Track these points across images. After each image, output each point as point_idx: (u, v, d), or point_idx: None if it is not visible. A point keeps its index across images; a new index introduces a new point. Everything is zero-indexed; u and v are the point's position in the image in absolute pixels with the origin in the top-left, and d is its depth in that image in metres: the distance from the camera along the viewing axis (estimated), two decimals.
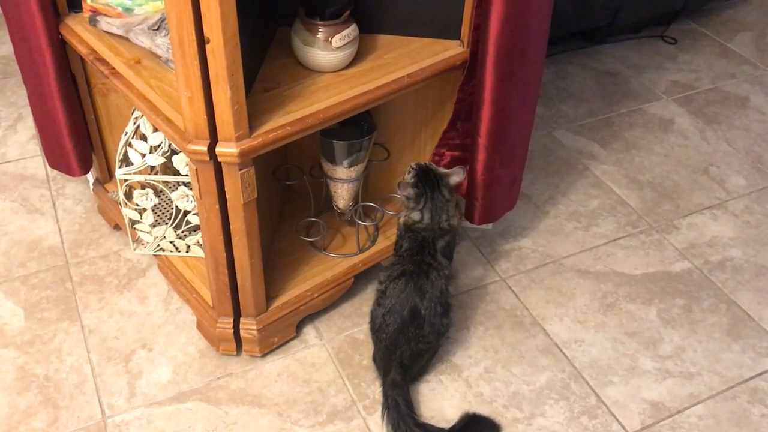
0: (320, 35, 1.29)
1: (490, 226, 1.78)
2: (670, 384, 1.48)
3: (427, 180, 1.42)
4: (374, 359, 1.45)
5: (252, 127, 1.19)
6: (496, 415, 1.41)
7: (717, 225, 1.83)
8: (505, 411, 1.42)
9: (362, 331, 1.54)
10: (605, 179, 1.96)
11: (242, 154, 1.18)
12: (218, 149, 1.18)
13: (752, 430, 1.40)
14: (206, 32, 1.06)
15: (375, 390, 1.43)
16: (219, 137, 1.18)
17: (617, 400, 1.44)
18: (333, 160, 1.47)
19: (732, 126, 2.16)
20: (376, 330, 1.41)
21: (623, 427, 1.40)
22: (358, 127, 1.46)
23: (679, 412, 1.43)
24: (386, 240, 1.61)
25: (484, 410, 1.41)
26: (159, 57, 1.34)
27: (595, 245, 1.77)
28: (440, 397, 1.44)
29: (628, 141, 2.09)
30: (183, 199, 1.45)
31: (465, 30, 1.41)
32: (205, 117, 1.15)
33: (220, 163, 1.20)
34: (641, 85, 2.31)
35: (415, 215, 1.42)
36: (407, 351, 1.37)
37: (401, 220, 1.46)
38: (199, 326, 1.51)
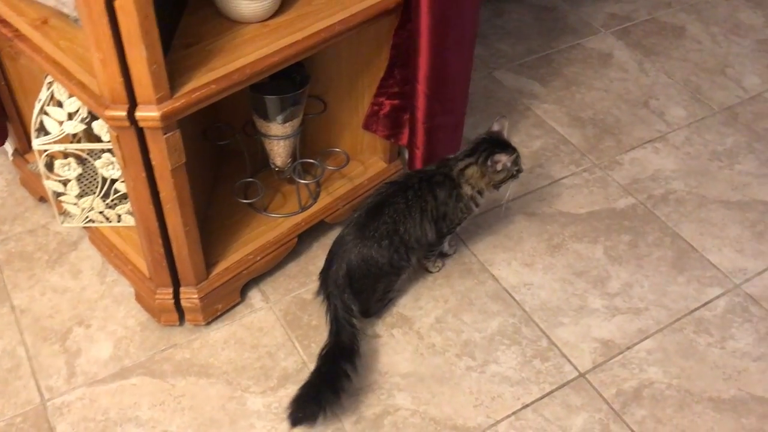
0: None
1: None
2: (619, 321, 1.49)
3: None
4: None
5: (173, 87, 1.12)
6: (449, 364, 1.40)
7: (659, 158, 1.84)
8: (458, 360, 1.41)
9: (309, 291, 1.50)
10: (547, 118, 1.93)
11: (165, 117, 1.10)
12: (138, 113, 1.10)
13: (699, 359, 1.43)
14: None
15: None
16: (138, 100, 1.10)
17: (568, 341, 1.45)
18: (266, 117, 1.40)
19: (670, 57, 2.15)
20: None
21: (575, 368, 1.41)
22: (290, 80, 1.39)
23: (628, 348, 1.44)
24: (329, 196, 1.56)
25: (436, 360, 1.40)
26: (67, 15, 1.23)
27: (540, 186, 1.75)
28: (392, 351, 1.42)
29: (567, 78, 2.06)
30: (108, 167, 1.37)
31: None
32: (121, 79, 1.07)
33: (142, 128, 1.12)
34: (579, 20, 2.28)
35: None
36: (357, 256, 1.34)
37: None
38: (138, 298, 1.45)
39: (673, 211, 1.71)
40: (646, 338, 1.46)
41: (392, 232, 1.36)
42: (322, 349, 1.31)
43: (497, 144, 1.41)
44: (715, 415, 1.34)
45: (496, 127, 1.44)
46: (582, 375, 1.40)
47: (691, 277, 1.57)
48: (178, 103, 1.11)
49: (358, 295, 1.38)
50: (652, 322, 1.49)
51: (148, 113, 1.09)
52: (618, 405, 1.35)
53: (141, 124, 1.11)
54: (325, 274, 1.39)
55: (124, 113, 1.09)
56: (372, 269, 1.37)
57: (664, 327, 1.48)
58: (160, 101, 1.10)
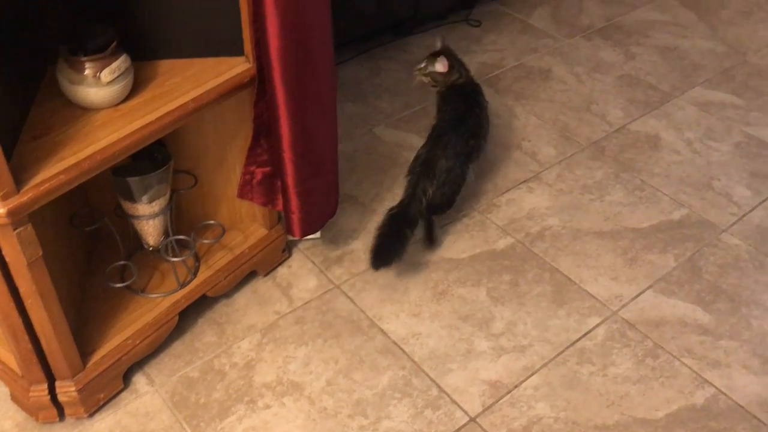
0: (87, 72, 1.21)
1: (318, 234, 1.77)
2: (505, 360, 1.52)
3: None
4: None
5: (19, 181, 1.10)
6: (342, 426, 1.40)
7: (533, 197, 1.91)
8: (351, 421, 1.41)
9: (196, 368, 1.48)
10: None
11: (12, 213, 1.08)
12: None
13: (583, 389, 1.47)
14: None
15: (215, 427, 1.38)
16: None
17: (458, 387, 1.47)
18: (131, 198, 1.39)
19: (539, 99, 2.26)
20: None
21: (465, 413, 1.43)
22: (152, 160, 1.39)
23: (516, 386, 1.48)
24: (209, 269, 1.55)
25: (329, 424, 1.40)
26: None
27: (422, 236, 1.79)
28: (284, 420, 1.41)
29: None
30: None
31: (247, 45, 1.37)
32: None
33: None
34: None
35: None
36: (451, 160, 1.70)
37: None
38: (13, 398, 1.39)
39: (549, 246, 1.77)
40: (532, 374, 1.50)
41: (476, 135, 1.77)
42: (391, 209, 1.66)
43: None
44: None
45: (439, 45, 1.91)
46: (473, 419, 1.42)
47: (571, 309, 1.63)
48: (25, 198, 1.10)
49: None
50: (536, 358, 1.53)
51: None
52: None
53: None
54: (425, 159, 1.70)
55: None
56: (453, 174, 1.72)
57: (548, 361, 1.52)
58: (5, 197, 1.08)
